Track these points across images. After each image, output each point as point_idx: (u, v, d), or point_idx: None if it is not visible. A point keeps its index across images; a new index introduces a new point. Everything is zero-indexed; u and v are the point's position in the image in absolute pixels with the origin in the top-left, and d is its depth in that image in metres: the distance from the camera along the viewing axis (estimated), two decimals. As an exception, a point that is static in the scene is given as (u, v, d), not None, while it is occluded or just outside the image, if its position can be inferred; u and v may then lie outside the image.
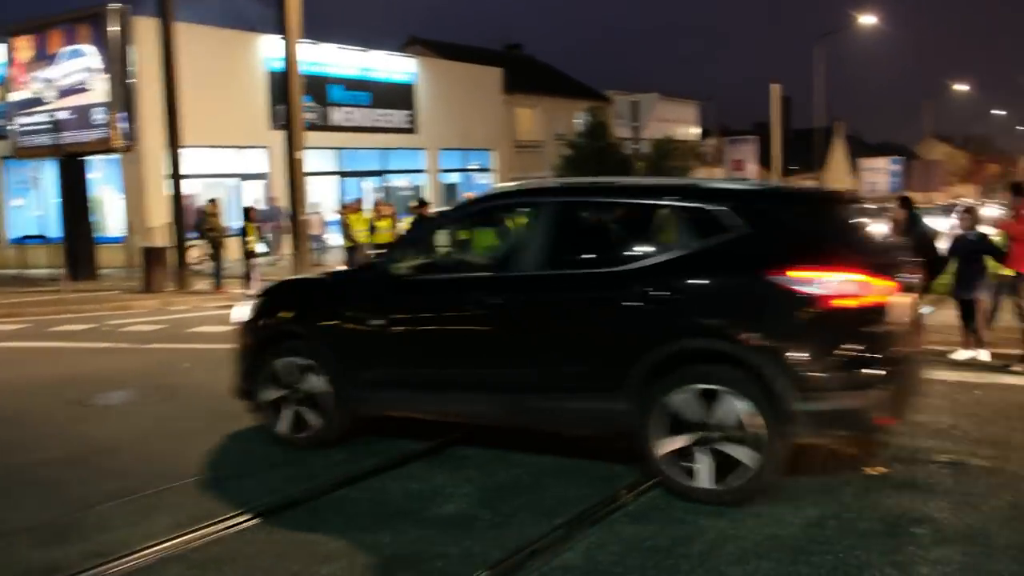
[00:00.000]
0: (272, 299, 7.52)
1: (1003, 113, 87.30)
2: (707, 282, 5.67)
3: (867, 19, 44.95)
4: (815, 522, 5.11)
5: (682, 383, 5.56)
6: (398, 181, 35.15)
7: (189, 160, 20.27)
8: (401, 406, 6.82)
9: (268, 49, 28.66)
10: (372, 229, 19.54)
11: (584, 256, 6.38)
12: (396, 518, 5.41)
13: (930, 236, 9.93)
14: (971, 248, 9.26)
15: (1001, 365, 9.03)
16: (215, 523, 5.37)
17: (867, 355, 5.35)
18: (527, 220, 6.82)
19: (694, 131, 57.08)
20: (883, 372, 5.37)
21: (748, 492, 5.42)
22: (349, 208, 20.85)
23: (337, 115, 32.32)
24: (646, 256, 6.05)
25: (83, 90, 22.91)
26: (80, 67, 22.99)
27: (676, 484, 5.59)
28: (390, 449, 6.78)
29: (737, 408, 5.40)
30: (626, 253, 6.27)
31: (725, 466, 5.44)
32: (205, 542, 5.14)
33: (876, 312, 5.42)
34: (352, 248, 19.56)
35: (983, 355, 9.45)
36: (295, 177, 18.36)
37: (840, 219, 6.03)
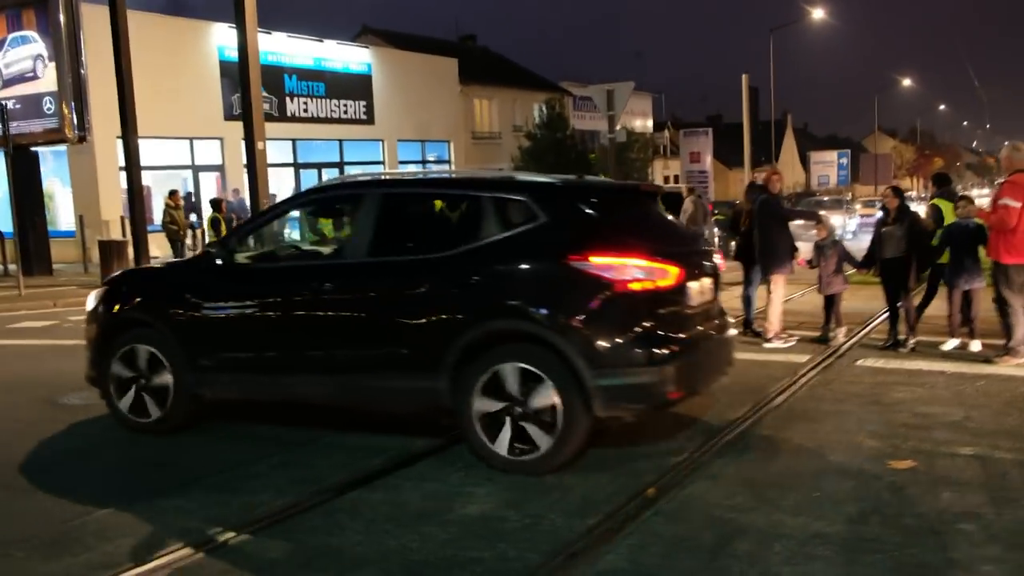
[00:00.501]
0: (118, 288, 7.67)
1: (946, 108, 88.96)
2: (513, 267, 6.03)
3: (817, 13, 45.31)
4: (857, 519, 4.94)
5: (493, 361, 5.89)
6: (356, 172, 34.67)
7: (140, 151, 19.58)
8: (243, 390, 6.99)
9: (220, 38, 28.07)
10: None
11: (403, 244, 6.70)
12: (418, 520, 5.13)
13: (922, 225, 9.86)
14: (968, 237, 9.19)
15: (994, 355, 8.96)
16: (228, 529, 5.03)
17: (659, 334, 5.79)
18: (354, 211, 6.98)
19: (648, 123, 57.22)
20: (675, 350, 5.78)
21: (555, 462, 5.78)
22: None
23: (292, 105, 31.75)
24: (459, 244, 6.33)
25: (31, 78, 22.24)
26: (27, 55, 22.33)
27: (494, 458, 5.90)
28: (393, 447, 6.51)
29: (542, 384, 5.73)
30: (441, 241, 6.60)
31: (528, 438, 5.79)
32: (222, 550, 4.81)
33: (669, 295, 5.94)
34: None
35: (975, 345, 9.42)
36: (257, 168, 17.82)
37: (637, 210, 6.58)
